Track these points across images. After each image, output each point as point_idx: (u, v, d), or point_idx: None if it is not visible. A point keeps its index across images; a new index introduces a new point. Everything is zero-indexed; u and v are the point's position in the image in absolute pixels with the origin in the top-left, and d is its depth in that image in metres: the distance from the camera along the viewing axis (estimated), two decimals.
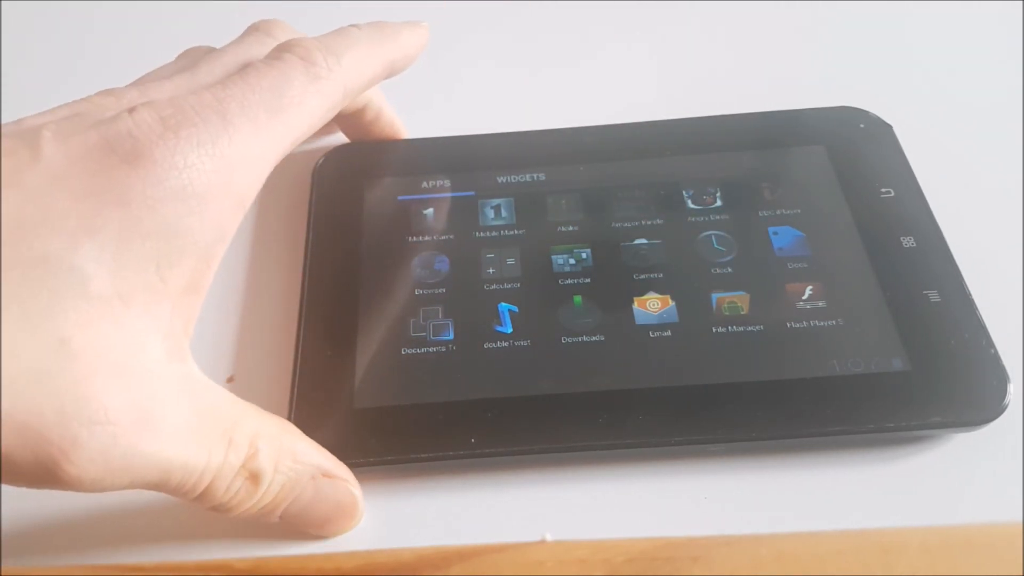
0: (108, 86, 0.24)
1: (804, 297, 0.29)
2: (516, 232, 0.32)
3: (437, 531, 0.26)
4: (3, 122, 0.22)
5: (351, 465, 0.26)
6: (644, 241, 0.31)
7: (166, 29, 0.41)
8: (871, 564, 0.25)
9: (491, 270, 0.31)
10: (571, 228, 0.32)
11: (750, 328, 0.29)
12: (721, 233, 0.31)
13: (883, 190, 0.32)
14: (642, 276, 0.30)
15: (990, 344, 0.27)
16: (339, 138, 0.35)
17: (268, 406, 0.28)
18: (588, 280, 0.30)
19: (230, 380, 0.29)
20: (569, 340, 0.29)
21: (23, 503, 0.27)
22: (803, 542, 0.25)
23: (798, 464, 0.27)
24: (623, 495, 0.26)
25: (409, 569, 0.25)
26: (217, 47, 0.26)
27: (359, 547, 0.26)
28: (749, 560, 0.25)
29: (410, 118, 0.35)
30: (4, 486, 0.27)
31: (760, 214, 0.32)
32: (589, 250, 0.31)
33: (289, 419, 0.27)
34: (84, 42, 0.41)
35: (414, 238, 0.32)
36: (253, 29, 0.27)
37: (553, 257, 0.31)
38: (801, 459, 0.27)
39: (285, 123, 0.23)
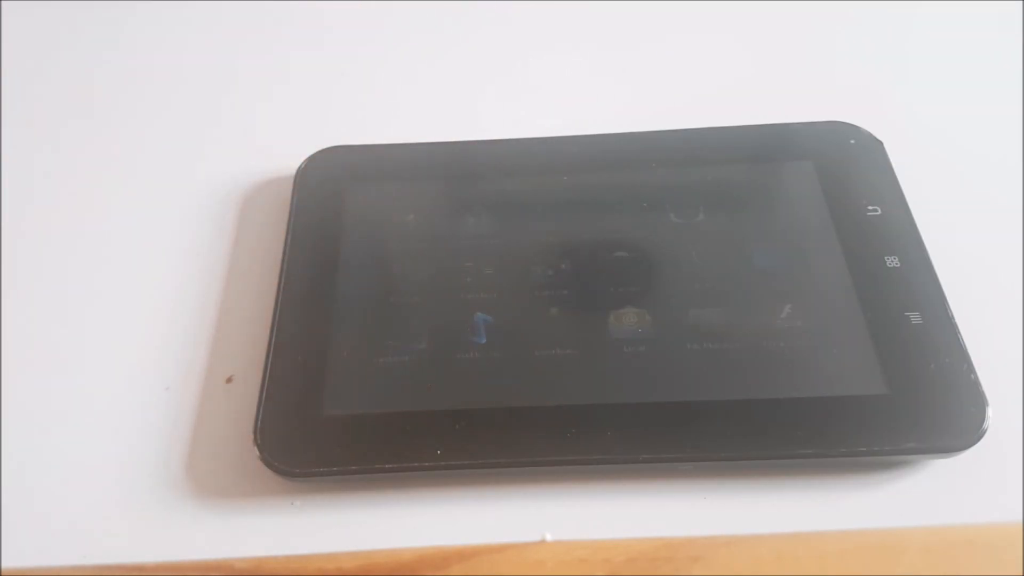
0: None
1: (783, 316, 0.29)
2: (495, 241, 0.31)
3: (437, 531, 0.26)
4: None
5: (316, 474, 0.26)
6: (624, 254, 0.31)
7: (166, 30, 0.41)
8: (871, 564, 0.24)
9: (468, 279, 0.30)
10: (551, 238, 0.31)
11: (726, 346, 0.28)
12: (702, 248, 0.31)
13: (870, 208, 0.31)
14: (620, 289, 0.30)
15: (970, 369, 0.27)
16: (322, 142, 0.35)
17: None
18: (566, 292, 0.30)
19: (229, 380, 0.29)
20: (542, 352, 0.28)
21: (23, 503, 0.27)
22: (803, 542, 0.25)
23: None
24: (623, 495, 0.26)
25: (409, 569, 0.25)
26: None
27: (359, 547, 0.26)
28: (749, 560, 0.25)
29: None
30: (4, 486, 0.27)
31: (743, 230, 0.31)
32: (568, 261, 0.31)
33: (256, 423, 0.27)
34: (84, 42, 0.41)
35: (393, 244, 0.31)
36: None
37: (531, 268, 0.30)
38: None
39: None
